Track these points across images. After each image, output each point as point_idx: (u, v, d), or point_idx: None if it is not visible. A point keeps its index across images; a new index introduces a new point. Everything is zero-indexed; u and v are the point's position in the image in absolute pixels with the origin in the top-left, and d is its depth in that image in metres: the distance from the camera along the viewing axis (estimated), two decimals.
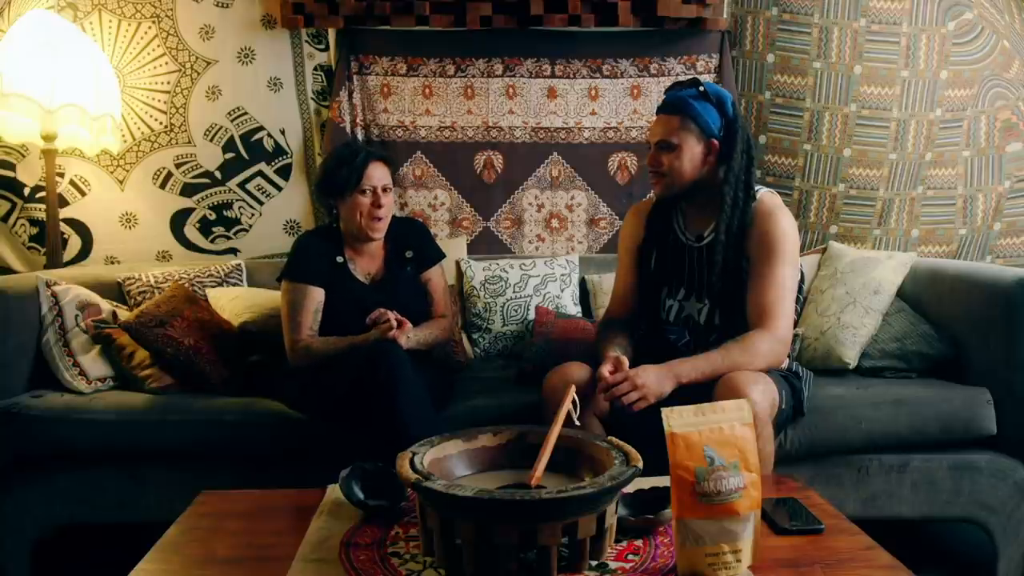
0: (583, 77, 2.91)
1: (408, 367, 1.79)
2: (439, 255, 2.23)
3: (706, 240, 1.84)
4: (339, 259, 2.10)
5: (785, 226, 1.77)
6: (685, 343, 1.84)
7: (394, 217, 2.14)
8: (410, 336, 1.94)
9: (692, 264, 1.86)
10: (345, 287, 2.07)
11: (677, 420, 1.10)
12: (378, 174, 2.05)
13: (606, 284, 2.55)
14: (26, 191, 2.76)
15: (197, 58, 2.81)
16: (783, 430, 1.90)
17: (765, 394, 1.63)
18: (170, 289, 2.32)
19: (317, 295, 2.03)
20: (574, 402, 1.36)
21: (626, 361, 1.69)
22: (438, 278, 2.22)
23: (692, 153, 1.77)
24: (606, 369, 1.67)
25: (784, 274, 1.75)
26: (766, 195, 1.83)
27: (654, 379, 1.63)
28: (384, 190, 2.06)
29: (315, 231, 2.28)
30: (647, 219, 1.95)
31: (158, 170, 2.83)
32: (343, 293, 2.06)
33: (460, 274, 2.66)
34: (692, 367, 1.67)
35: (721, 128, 1.77)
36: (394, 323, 1.91)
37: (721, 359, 1.67)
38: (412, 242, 2.19)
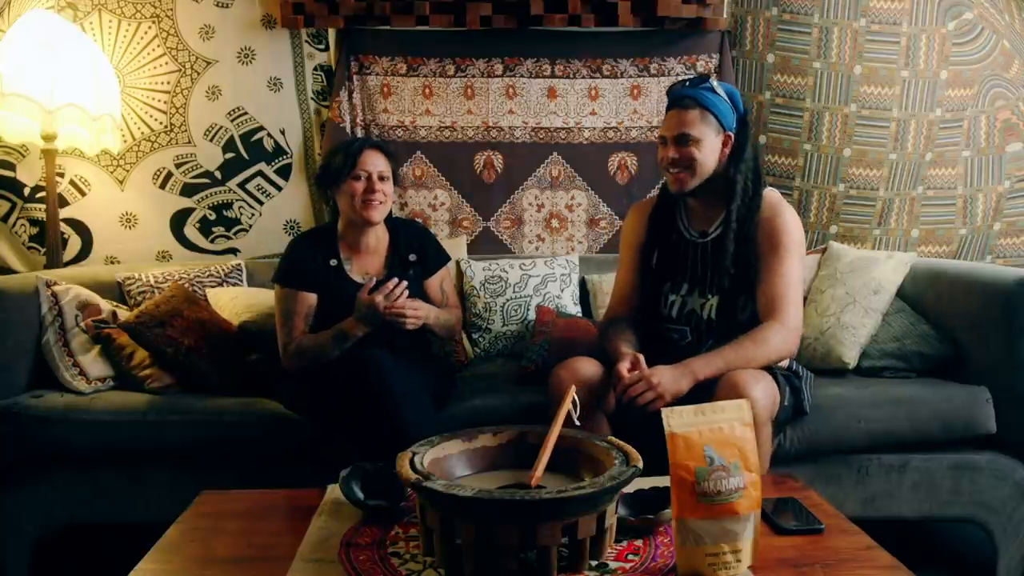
0: (583, 77, 2.91)
1: (398, 371, 1.77)
2: (444, 259, 2.19)
3: (712, 235, 1.85)
4: (333, 262, 2.05)
5: (789, 219, 1.80)
6: (688, 342, 1.84)
7: (397, 218, 2.11)
8: (424, 313, 1.93)
9: (697, 260, 1.86)
10: (340, 290, 2.01)
11: (677, 420, 1.10)
12: (373, 160, 1.99)
13: (606, 284, 2.54)
14: (26, 191, 2.76)
15: (197, 58, 2.81)
16: (783, 430, 1.90)
17: (766, 393, 1.63)
18: (170, 289, 2.32)
19: (309, 300, 2.01)
20: (574, 402, 1.36)
21: (643, 359, 1.68)
22: (447, 277, 2.20)
23: (712, 146, 1.78)
24: (624, 367, 1.67)
25: (791, 266, 1.77)
26: (769, 192, 1.85)
27: (670, 379, 1.63)
28: (381, 178, 1.99)
29: (309, 233, 2.23)
30: (649, 217, 1.95)
31: (158, 170, 2.83)
32: (338, 297, 2.00)
33: (460, 274, 2.66)
34: (707, 363, 1.67)
35: (735, 122, 1.80)
36: (397, 293, 1.87)
37: (734, 353, 1.67)
38: (416, 245, 2.14)
